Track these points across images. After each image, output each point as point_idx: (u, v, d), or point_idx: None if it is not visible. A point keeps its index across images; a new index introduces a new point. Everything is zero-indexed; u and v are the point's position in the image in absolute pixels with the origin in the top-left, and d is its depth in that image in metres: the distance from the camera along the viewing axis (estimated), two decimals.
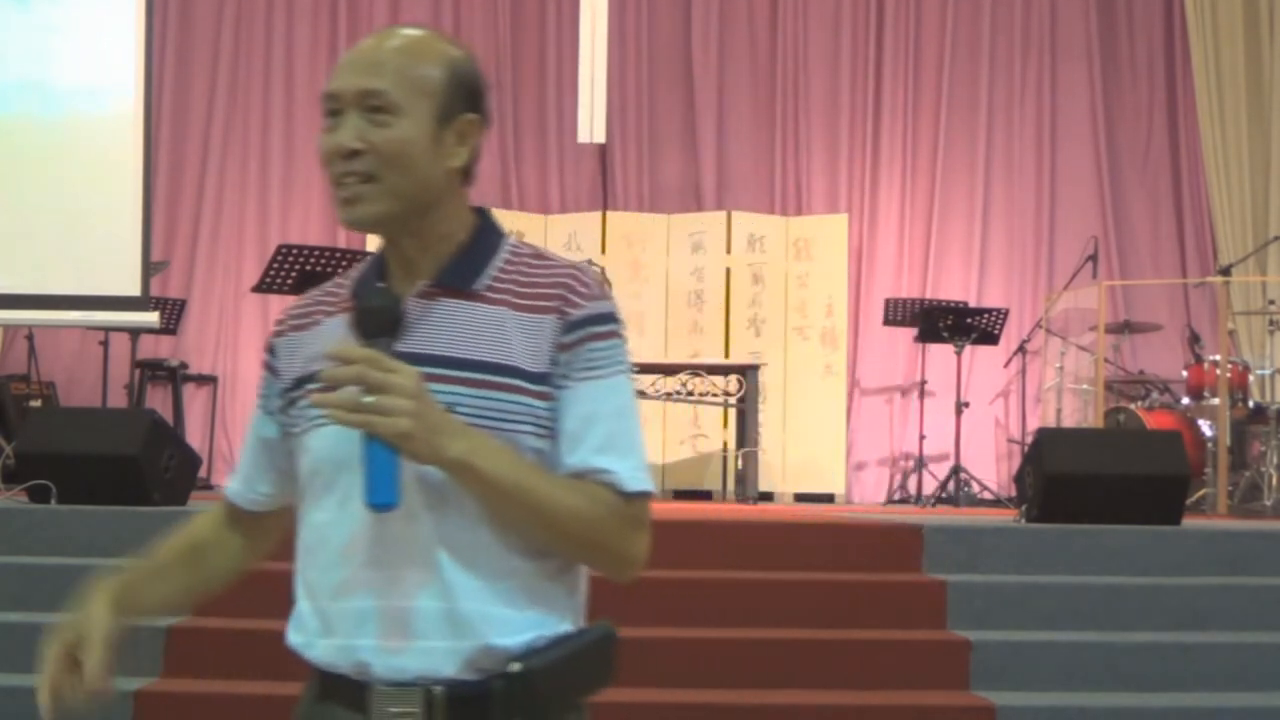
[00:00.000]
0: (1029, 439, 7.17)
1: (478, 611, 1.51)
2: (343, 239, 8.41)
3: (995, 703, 4.08)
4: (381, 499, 1.44)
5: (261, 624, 3.62)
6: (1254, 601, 4.65)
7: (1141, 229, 9.30)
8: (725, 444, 8.34)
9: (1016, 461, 8.01)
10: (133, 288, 6.21)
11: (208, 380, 8.82)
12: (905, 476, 8.76)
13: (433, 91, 1.56)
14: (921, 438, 8.36)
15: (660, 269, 8.72)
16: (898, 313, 8.37)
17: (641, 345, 8.22)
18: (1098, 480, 5.28)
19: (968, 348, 8.09)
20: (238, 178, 9.10)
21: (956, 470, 7.96)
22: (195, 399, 8.81)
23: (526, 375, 1.53)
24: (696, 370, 7.45)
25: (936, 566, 4.80)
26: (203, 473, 7.31)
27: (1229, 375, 7.50)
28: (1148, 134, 9.39)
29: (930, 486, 8.15)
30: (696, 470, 8.55)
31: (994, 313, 8.16)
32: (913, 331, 8.37)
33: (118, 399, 7.92)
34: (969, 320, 8.05)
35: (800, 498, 8.54)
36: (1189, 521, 5.52)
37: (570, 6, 8.74)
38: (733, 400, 7.48)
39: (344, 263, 6.70)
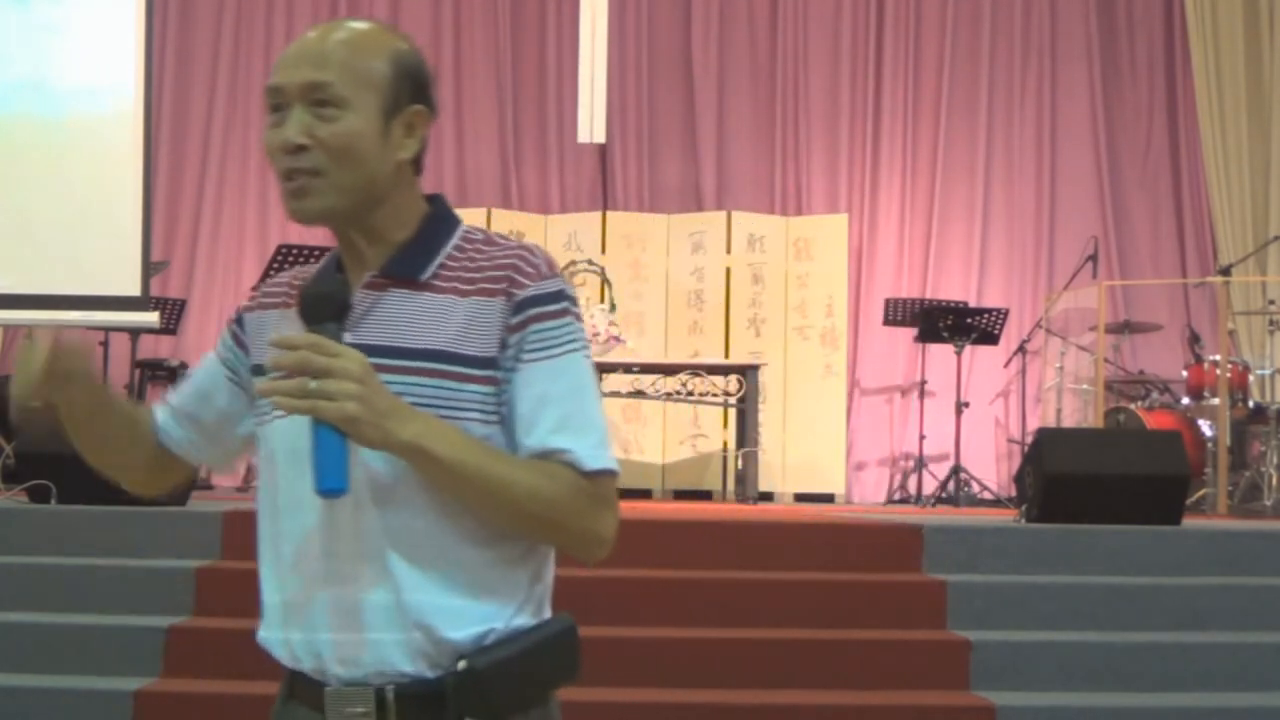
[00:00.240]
0: (1029, 439, 7.17)
1: (426, 603, 1.50)
2: None
3: (995, 703, 4.08)
4: (330, 484, 1.43)
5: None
6: (1254, 601, 4.65)
7: (1141, 229, 9.30)
8: (725, 444, 8.34)
9: (1016, 461, 8.02)
10: (133, 288, 6.21)
11: None
12: (905, 476, 8.76)
13: (379, 84, 1.55)
14: (921, 438, 8.36)
15: (660, 269, 8.72)
16: (898, 313, 8.37)
17: (641, 345, 8.22)
18: (1098, 480, 5.28)
19: (968, 348, 8.10)
20: (238, 178, 9.10)
21: (956, 470, 7.96)
22: None
23: (472, 361, 1.52)
24: (696, 370, 7.45)
25: (936, 566, 4.80)
26: (202, 472, 7.31)
27: (1229, 375, 7.50)
28: (1148, 134, 9.39)
29: (930, 486, 8.15)
30: (696, 470, 8.55)
31: (994, 313, 8.16)
32: (913, 331, 8.37)
33: None
34: (969, 320, 8.05)
35: (800, 498, 8.54)
36: (1189, 521, 5.52)
37: (570, 6, 8.74)
38: (733, 400, 7.48)
39: None
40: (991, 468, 8.85)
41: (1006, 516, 5.92)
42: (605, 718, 3.95)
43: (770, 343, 8.64)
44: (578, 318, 1.57)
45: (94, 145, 6.25)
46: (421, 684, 1.50)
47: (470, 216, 9.01)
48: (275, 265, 6.87)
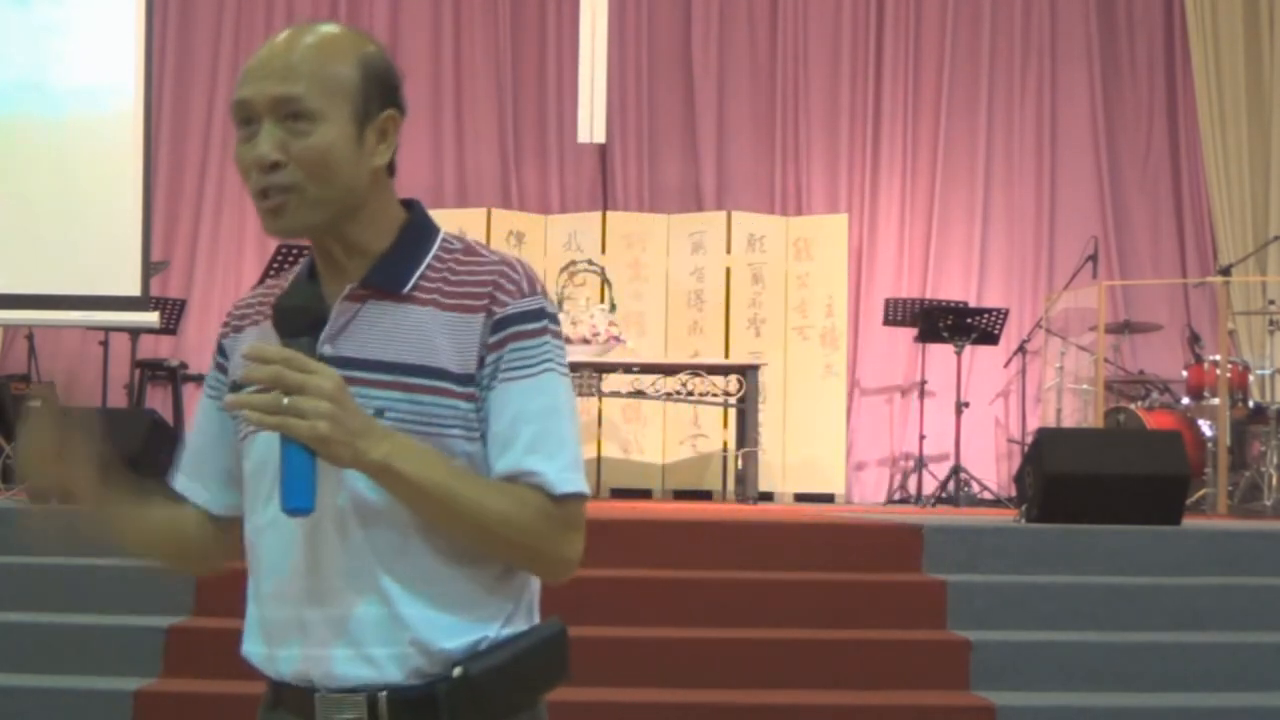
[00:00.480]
0: (1029, 439, 7.17)
1: (419, 616, 1.49)
2: None
3: (995, 703, 4.08)
4: (296, 504, 1.41)
5: None
6: (1254, 601, 4.65)
7: (1141, 229, 9.30)
8: (725, 444, 8.33)
9: (1016, 461, 8.01)
10: (133, 288, 6.21)
11: None
12: (905, 476, 8.76)
13: (349, 92, 1.51)
14: (921, 438, 8.36)
15: (660, 269, 8.72)
16: (898, 313, 8.37)
17: (641, 345, 8.22)
18: (1098, 480, 5.28)
19: (968, 348, 8.09)
20: (237, 178, 8.85)
21: (956, 470, 7.96)
22: (195, 399, 8.75)
23: (454, 377, 1.50)
24: (696, 370, 7.45)
25: (936, 566, 4.80)
26: None
27: (1229, 375, 7.50)
28: (1148, 134, 9.39)
29: (930, 486, 8.15)
30: (696, 470, 8.55)
31: (994, 313, 8.15)
32: (913, 331, 8.37)
33: (118, 399, 7.93)
34: (969, 320, 8.05)
35: (800, 498, 8.54)
36: (1189, 521, 5.52)
37: (570, 6, 8.74)
38: (733, 400, 7.48)
39: None
40: (991, 468, 8.84)
41: (1006, 516, 5.92)
42: (605, 718, 3.95)
43: (770, 343, 8.64)
44: (556, 336, 1.55)
45: (94, 145, 6.25)
46: (413, 690, 1.49)
47: (470, 216, 9.06)
48: (275, 265, 6.87)
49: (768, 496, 8.13)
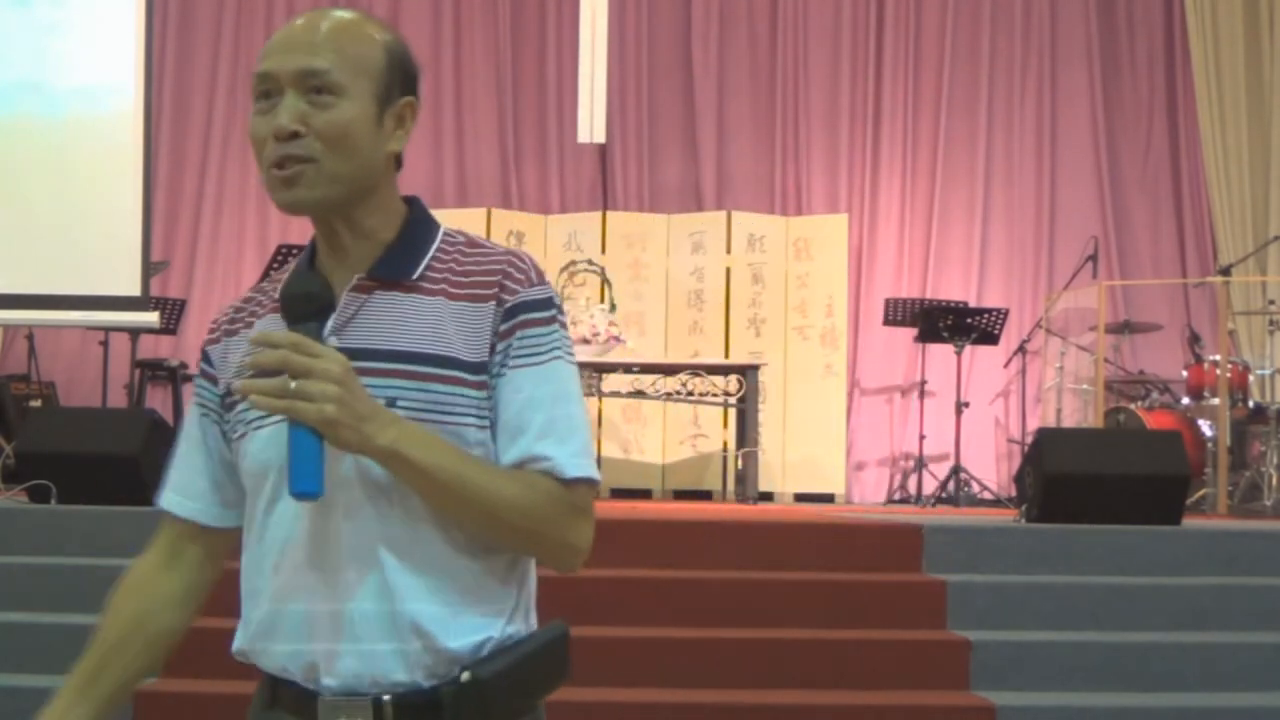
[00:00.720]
0: (1029, 439, 7.17)
1: (423, 612, 1.48)
2: None
3: (995, 703, 4.08)
4: (305, 487, 1.40)
5: None
6: (1254, 601, 4.65)
7: (1141, 229, 9.30)
8: (725, 444, 8.33)
9: (1016, 461, 8.02)
10: (133, 288, 6.21)
11: None
12: (905, 476, 8.76)
13: (373, 72, 1.52)
14: (921, 438, 8.36)
15: (660, 269, 8.72)
16: (898, 313, 8.37)
17: (641, 345, 8.22)
18: (1098, 480, 5.28)
19: (968, 348, 8.09)
20: (238, 178, 9.09)
21: (956, 470, 7.96)
22: None
23: (466, 366, 1.50)
24: (696, 370, 7.45)
25: (936, 566, 4.80)
26: None
27: (1229, 375, 7.50)
28: (1148, 134, 9.39)
29: (930, 486, 8.15)
30: (696, 470, 8.55)
31: (994, 313, 8.15)
32: (913, 331, 8.37)
33: (118, 399, 7.92)
34: (969, 320, 8.05)
35: (800, 498, 8.54)
36: (1189, 521, 5.52)
37: (570, 6, 8.74)
38: (733, 400, 7.48)
39: None
40: (991, 468, 8.85)
41: (1006, 516, 5.92)
42: (605, 718, 3.95)
43: (770, 343, 8.64)
44: (564, 325, 1.56)
45: (94, 145, 6.25)
46: (419, 693, 1.48)
47: (470, 216, 9.05)
48: (275, 265, 6.87)
49: (768, 496, 8.14)
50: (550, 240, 8.71)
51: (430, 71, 9.23)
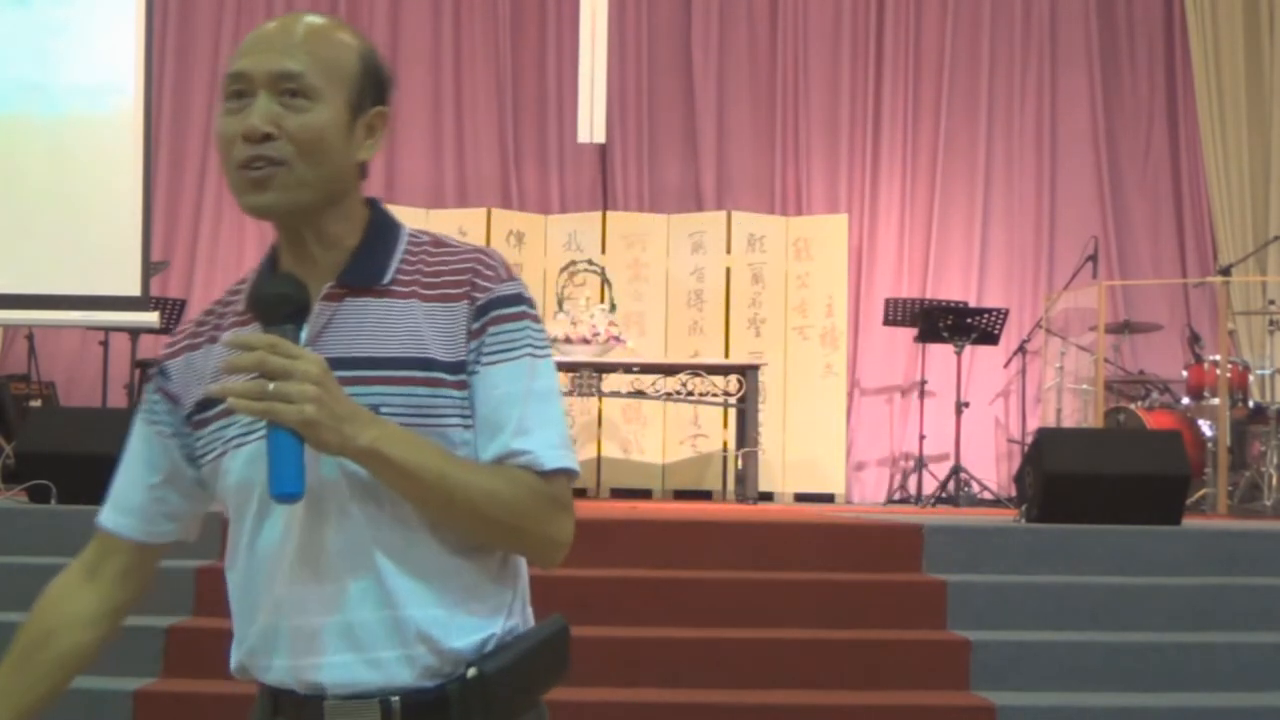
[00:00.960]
0: (1029, 439, 7.17)
1: (424, 616, 1.48)
2: None
3: (995, 703, 4.08)
4: (286, 489, 1.38)
5: None
6: (1254, 601, 4.65)
7: (1141, 229, 9.30)
8: (725, 444, 8.33)
9: (1016, 461, 8.02)
10: (133, 288, 6.21)
11: None
12: (905, 476, 8.76)
13: (347, 79, 1.50)
14: (921, 438, 8.36)
15: (660, 269, 8.72)
16: (898, 313, 8.37)
17: (641, 345, 8.22)
18: (1098, 480, 5.28)
19: (968, 348, 8.09)
20: None
21: (956, 470, 7.96)
22: None
23: (444, 366, 1.49)
24: (696, 370, 7.45)
25: (936, 566, 4.80)
26: None
27: (1229, 375, 7.50)
28: (1148, 134, 9.39)
29: (930, 486, 8.15)
30: (696, 470, 8.55)
31: (994, 313, 8.15)
32: (913, 331, 8.37)
33: (118, 399, 7.92)
34: (969, 320, 8.05)
35: (800, 498, 8.54)
36: (1189, 521, 5.52)
37: (570, 6, 8.74)
38: (733, 400, 7.48)
39: None
40: (991, 468, 8.85)
41: (1006, 516, 5.92)
42: (605, 718, 3.95)
43: (770, 343, 8.64)
44: (535, 319, 1.55)
45: (94, 145, 6.25)
46: (425, 692, 1.48)
47: (470, 216, 9.05)
48: None
49: (768, 496, 8.14)
50: (550, 240, 8.71)
51: (430, 71, 9.24)
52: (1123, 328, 8.48)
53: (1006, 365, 8.72)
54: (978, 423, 8.72)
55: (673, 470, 8.55)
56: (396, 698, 1.48)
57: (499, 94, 9.27)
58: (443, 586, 1.49)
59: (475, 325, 1.51)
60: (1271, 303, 7.98)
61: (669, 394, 7.52)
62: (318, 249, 1.53)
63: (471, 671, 1.48)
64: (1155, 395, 8.16)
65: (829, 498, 8.57)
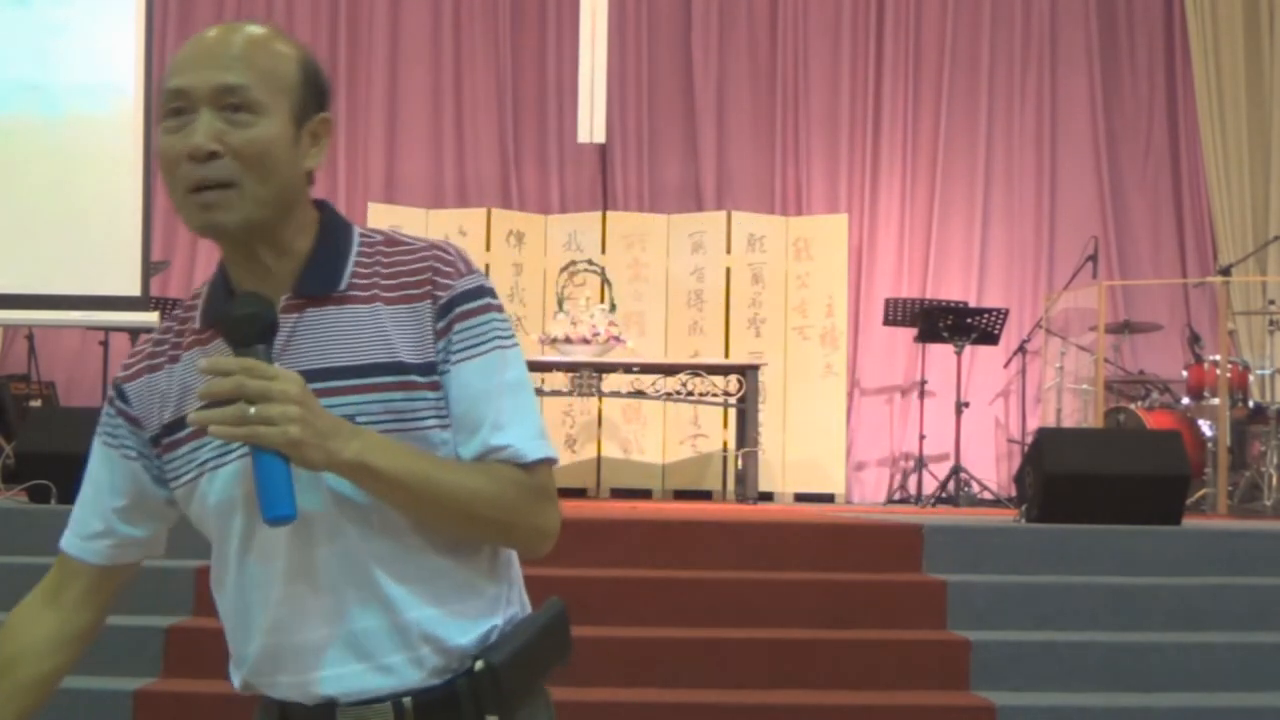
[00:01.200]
0: (1029, 439, 7.17)
1: (425, 617, 1.48)
2: None
3: (995, 703, 4.08)
4: (279, 511, 1.36)
5: None
6: (1254, 601, 4.65)
7: (1141, 229, 9.30)
8: (725, 444, 8.33)
9: (1016, 461, 8.01)
10: (133, 288, 6.21)
11: None
12: (905, 476, 8.76)
13: (289, 89, 1.48)
14: (921, 438, 8.36)
15: (660, 269, 8.72)
16: (898, 313, 8.37)
17: (641, 345, 8.22)
18: (1098, 480, 5.28)
19: (968, 348, 8.09)
20: None
21: (956, 470, 7.96)
22: None
23: (415, 368, 1.48)
24: (696, 370, 7.45)
25: (936, 566, 4.80)
26: None
27: (1229, 375, 7.50)
28: (1148, 134, 9.39)
29: (930, 486, 8.15)
30: (696, 470, 8.55)
31: (994, 313, 8.15)
32: (913, 331, 8.36)
33: None
34: (969, 320, 8.05)
35: (800, 498, 8.54)
36: (1189, 521, 5.52)
37: (570, 6, 8.74)
38: (733, 400, 7.48)
39: None
40: (991, 468, 8.85)
41: (1006, 516, 5.92)
42: (605, 718, 3.95)
43: (770, 343, 8.64)
44: (499, 309, 1.53)
45: (94, 145, 6.25)
46: (435, 690, 1.49)
47: (470, 216, 9.05)
48: None
49: (768, 496, 8.14)
50: (550, 240, 8.71)
51: (430, 71, 9.24)
52: (1123, 328, 8.48)
53: (1006, 365, 8.71)
54: (978, 423, 8.72)
55: (673, 470, 8.55)
56: (408, 698, 1.48)
57: (499, 94, 9.26)
58: (439, 586, 1.50)
59: (440, 324, 1.50)
60: (1271, 303, 7.98)
61: (669, 394, 7.52)
62: (271, 258, 1.50)
63: (478, 664, 1.49)
64: (1155, 395, 8.15)
65: (829, 498, 8.57)
